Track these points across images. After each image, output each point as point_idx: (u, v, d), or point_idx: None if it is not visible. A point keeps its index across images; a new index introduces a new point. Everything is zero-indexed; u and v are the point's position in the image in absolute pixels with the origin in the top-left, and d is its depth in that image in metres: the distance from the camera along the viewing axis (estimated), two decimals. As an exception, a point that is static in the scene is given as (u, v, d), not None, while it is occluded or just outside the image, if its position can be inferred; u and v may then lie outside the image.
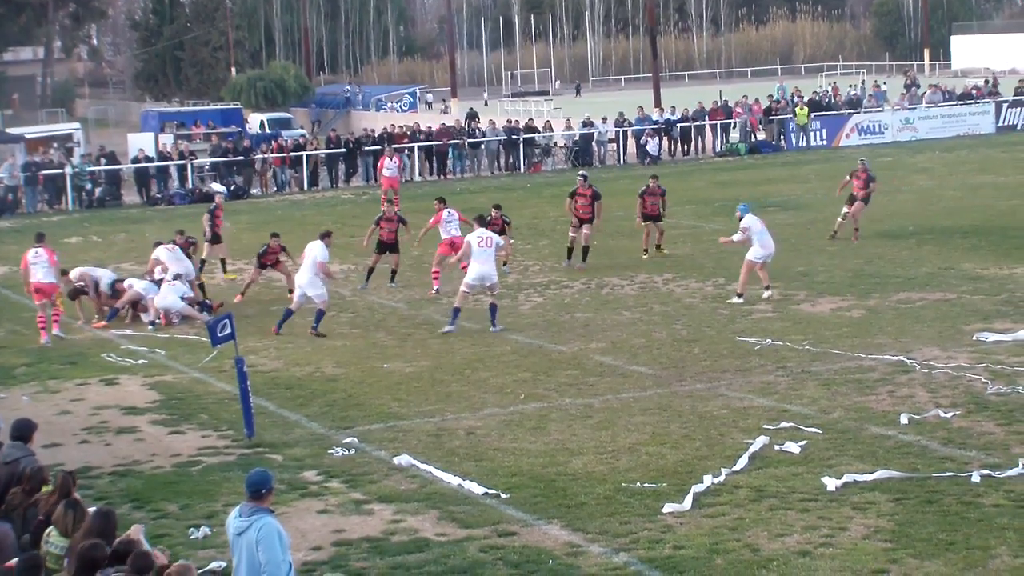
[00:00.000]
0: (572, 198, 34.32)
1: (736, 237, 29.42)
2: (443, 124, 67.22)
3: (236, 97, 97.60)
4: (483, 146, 63.55)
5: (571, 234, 34.27)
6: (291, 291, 29.46)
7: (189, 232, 32.92)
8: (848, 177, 36.35)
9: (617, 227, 38.18)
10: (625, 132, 65.17)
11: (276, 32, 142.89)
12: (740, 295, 28.88)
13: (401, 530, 15.91)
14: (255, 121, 79.92)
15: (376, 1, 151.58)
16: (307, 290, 27.49)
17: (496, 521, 16.02)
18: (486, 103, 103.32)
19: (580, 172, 37.47)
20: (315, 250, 27.62)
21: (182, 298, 29.77)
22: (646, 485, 17.00)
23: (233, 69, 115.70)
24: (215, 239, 34.89)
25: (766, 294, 28.91)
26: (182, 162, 58.45)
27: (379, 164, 51.52)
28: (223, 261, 35.81)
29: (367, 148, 60.72)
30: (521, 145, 63.23)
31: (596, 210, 33.81)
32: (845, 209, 35.86)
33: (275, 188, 59.19)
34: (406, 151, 60.16)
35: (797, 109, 66.79)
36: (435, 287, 31.61)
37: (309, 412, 21.67)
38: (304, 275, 27.59)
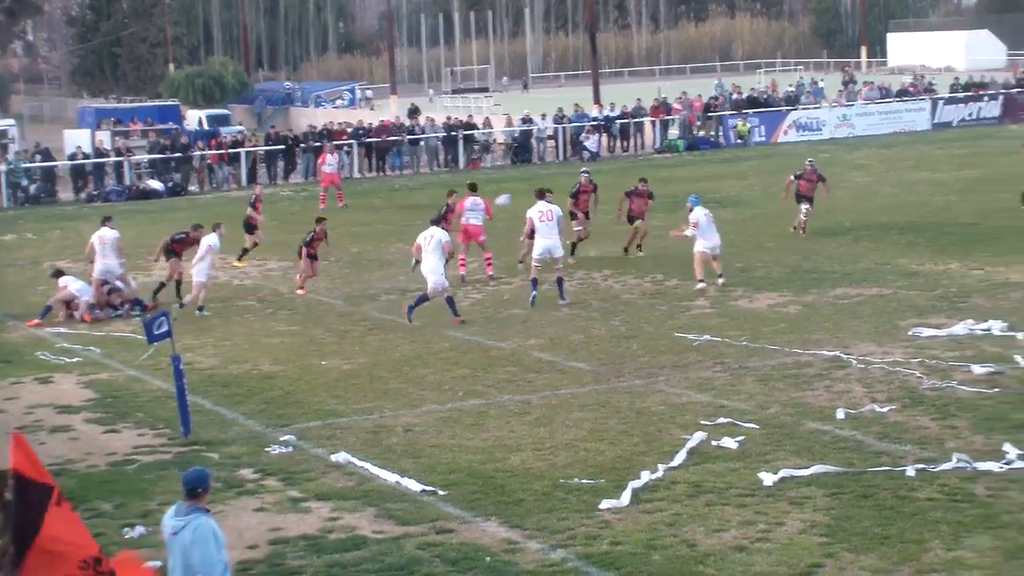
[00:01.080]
0: (575, 197, 34.40)
1: (688, 232, 29.89)
2: (383, 120, 67.13)
3: (174, 94, 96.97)
4: (423, 143, 63.49)
5: (576, 228, 34.19)
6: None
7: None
8: (792, 178, 36.15)
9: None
10: (564, 129, 65.25)
11: (215, 28, 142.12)
12: (701, 280, 29.54)
13: (338, 528, 15.86)
14: (193, 118, 79.44)
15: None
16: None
17: (434, 518, 15.99)
18: (431, 99, 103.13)
19: (583, 170, 37.25)
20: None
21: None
22: (584, 481, 17.01)
23: (171, 65, 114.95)
24: (250, 229, 36.40)
25: (720, 281, 29.59)
26: (119, 159, 58.09)
27: (320, 160, 51.47)
28: (248, 249, 36.65)
29: (306, 145, 60.54)
30: (461, 142, 63.20)
31: (594, 202, 34.51)
32: (805, 207, 35.64)
33: (213, 185, 58.92)
34: (345, 148, 60.03)
35: (739, 123, 66.94)
36: (489, 272, 32.54)
37: (246, 410, 21.58)
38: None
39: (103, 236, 30.63)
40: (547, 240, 28.63)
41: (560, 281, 28.68)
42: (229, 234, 32.12)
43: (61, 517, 10.58)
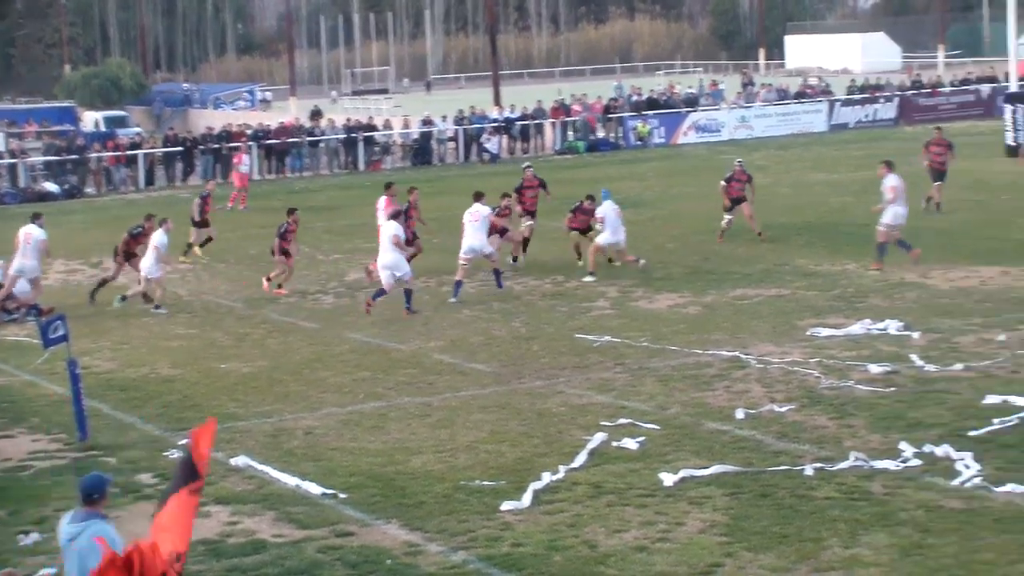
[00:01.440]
0: (519, 192, 34.27)
1: (597, 227, 31.00)
2: (283, 122, 66.81)
3: (70, 95, 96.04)
4: (323, 144, 63.26)
5: (527, 223, 34.13)
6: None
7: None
8: (724, 183, 35.60)
9: (454, 226, 38.09)
10: (465, 130, 65.24)
11: (111, 28, 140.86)
12: (592, 273, 30.34)
13: (238, 532, 15.74)
14: (90, 119, 78.70)
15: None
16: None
17: (334, 521, 15.91)
18: (334, 100, 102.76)
19: (525, 165, 36.97)
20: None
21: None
22: (485, 483, 16.99)
23: (67, 66, 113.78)
24: (203, 224, 36.92)
25: (642, 263, 30.98)
26: (13, 161, 57.39)
27: (236, 160, 51.52)
28: (204, 242, 37.10)
29: (205, 147, 60.14)
30: (361, 143, 63.02)
31: (543, 197, 34.65)
32: (728, 217, 35.24)
33: (110, 187, 58.36)
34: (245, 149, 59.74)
35: (639, 124, 67.19)
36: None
37: (145, 414, 21.38)
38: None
39: (28, 233, 30.12)
40: (471, 240, 29.68)
41: (498, 273, 30.18)
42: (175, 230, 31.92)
43: (184, 504, 10.75)
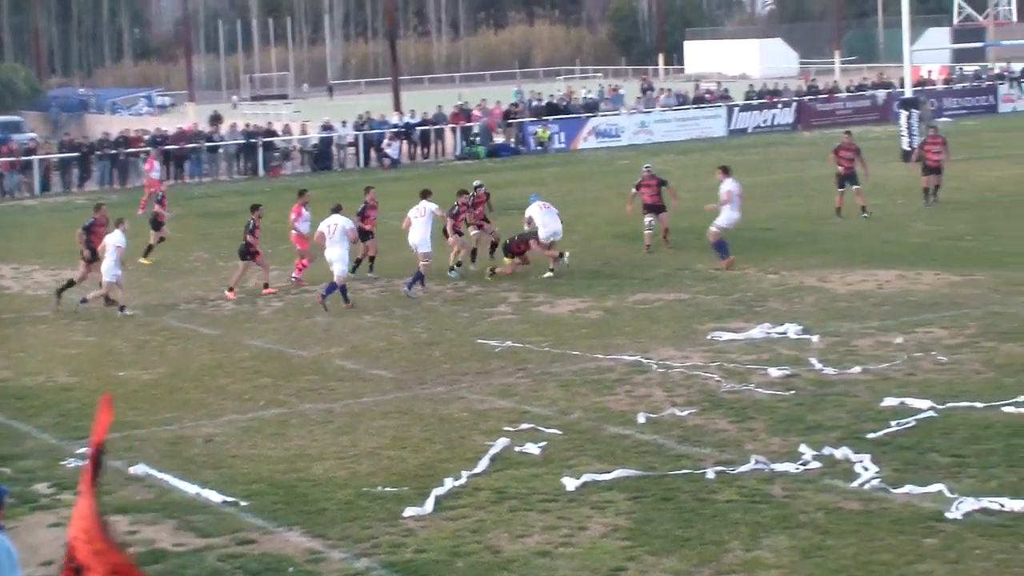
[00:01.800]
0: (473, 207, 33.90)
1: (527, 227, 32.09)
2: (181, 127, 66.32)
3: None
4: (221, 150, 62.87)
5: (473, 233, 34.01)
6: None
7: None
8: (635, 189, 35.45)
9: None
10: (365, 136, 65.10)
11: (4, 33, 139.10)
12: (552, 270, 31.42)
13: (137, 541, 15.56)
14: (-17, 124, 77.74)
15: (110, 2, 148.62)
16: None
17: (235, 529, 15.79)
18: (235, 106, 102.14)
19: (476, 183, 36.50)
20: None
21: None
22: (387, 489, 16.94)
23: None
24: (157, 226, 37.49)
25: (566, 255, 31.98)
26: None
27: (147, 167, 51.22)
28: (153, 245, 37.34)
29: (102, 152, 59.59)
30: (260, 149, 62.69)
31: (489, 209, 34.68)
32: (650, 219, 34.92)
33: (4, 193, 57.65)
34: (142, 155, 59.28)
35: (539, 129, 67.30)
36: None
37: (41, 422, 21.12)
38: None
39: None
40: (413, 237, 30.92)
41: (420, 275, 30.54)
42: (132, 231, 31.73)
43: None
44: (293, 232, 32.48)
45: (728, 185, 32.11)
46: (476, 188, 34.53)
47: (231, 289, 31.22)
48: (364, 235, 32.09)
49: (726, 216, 31.90)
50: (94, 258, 30.47)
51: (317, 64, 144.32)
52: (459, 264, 32.74)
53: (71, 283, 30.96)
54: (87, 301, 29.79)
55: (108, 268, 29.43)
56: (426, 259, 30.81)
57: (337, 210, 30.29)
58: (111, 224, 30.20)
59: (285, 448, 19.08)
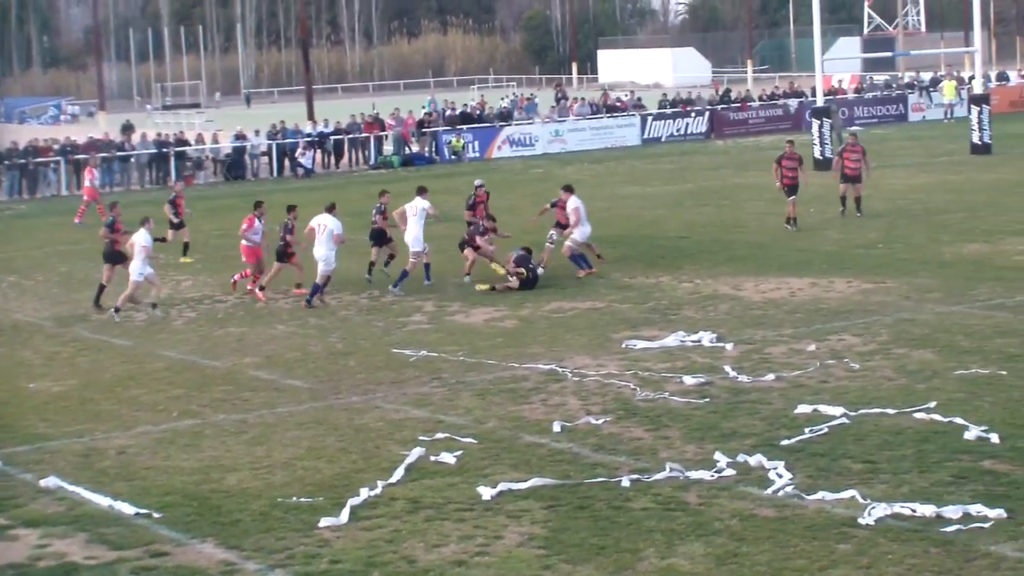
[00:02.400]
0: (471, 209, 34.25)
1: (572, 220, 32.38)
2: (92, 137, 65.75)
3: None
4: (133, 159, 62.40)
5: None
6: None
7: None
8: (548, 206, 34.69)
9: (274, 240, 37.78)
10: (279, 145, 64.82)
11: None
12: (468, 274, 31.96)
13: (48, 555, 15.40)
14: None
15: (18, 10, 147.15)
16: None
17: (148, 542, 15.65)
18: (149, 114, 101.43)
19: (477, 182, 35.97)
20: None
21: None
22: (302, 500, 16.86)
23: None
24: (179, 225, 37.62)
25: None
26: None
27: (89, 176, 50.75)
28: (186, 245, 37.75)
29: (11, 162, 59.01)
30: (172, 158, 62.26)
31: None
32: (552, 232, 34.78)
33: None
34: (52, 164, 58.80)
35: (453, 138, 67.23)
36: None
37: (-50, 436, 20.85)
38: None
39: None
40: (407, 235, 31.43)
41: (405, 273, 31.27)
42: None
43: None
44: (244, 243, 32.03)
45: (574, 203, 32.41)
46: (476, 188, 34.83)
47: (262, 288, 31.37)
48: (380, 236, 32.63)
49: (580, 231, 32.36)
50: (119, 259, 30.44)
51: (230, 73, 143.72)
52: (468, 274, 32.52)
53: (102, 288, 30.59)
54: (119, 310, 29.37)
55: (136, 267, 29.23)
56: (415, 257, 31.45)
57: (331, 209, 30.66)
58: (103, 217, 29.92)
59: (199, 459, 18.94)
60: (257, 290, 31.32)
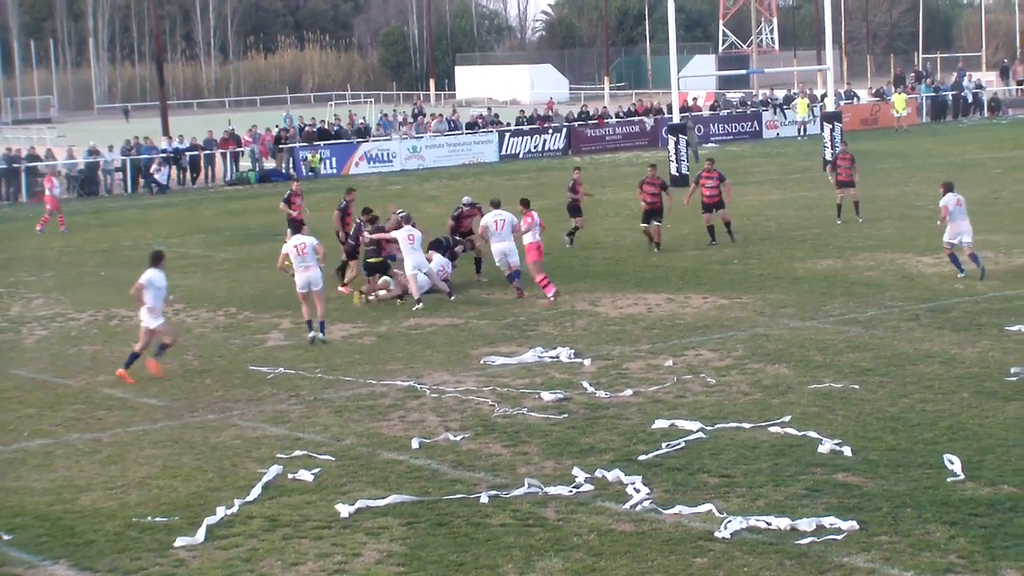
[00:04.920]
0: (457, 220, 34.40)
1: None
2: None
3: None
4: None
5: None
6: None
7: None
8: (451, 220, 34.57)
9: (127, 258, 37.41)
10: (133, 161, 64.10)
11: None
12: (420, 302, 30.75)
13: None
14: None
15: None
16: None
17: (-1, 565, 15.39)
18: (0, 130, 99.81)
19: (465, 199, 35.85)
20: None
21: None
22: (158, 519, 16.65)
23: None
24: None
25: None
26: None
27: (49, 185, 49.86)
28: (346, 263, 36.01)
29: None
30: (23, 174, 61.31)
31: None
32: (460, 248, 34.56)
33: None
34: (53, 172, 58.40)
35: (309, 155, 66.92)
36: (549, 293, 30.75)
37: None
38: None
39: None
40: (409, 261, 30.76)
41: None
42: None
43: None
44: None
45: (408, 231, 31.33)
46: (464, 205, 34.95)
47: (344, 285, 32.45)
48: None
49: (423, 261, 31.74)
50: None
51: (82, 87, 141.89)
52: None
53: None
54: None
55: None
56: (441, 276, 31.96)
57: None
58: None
59: (51, 480, 18.64)
60: (339, 287, 32.24)
